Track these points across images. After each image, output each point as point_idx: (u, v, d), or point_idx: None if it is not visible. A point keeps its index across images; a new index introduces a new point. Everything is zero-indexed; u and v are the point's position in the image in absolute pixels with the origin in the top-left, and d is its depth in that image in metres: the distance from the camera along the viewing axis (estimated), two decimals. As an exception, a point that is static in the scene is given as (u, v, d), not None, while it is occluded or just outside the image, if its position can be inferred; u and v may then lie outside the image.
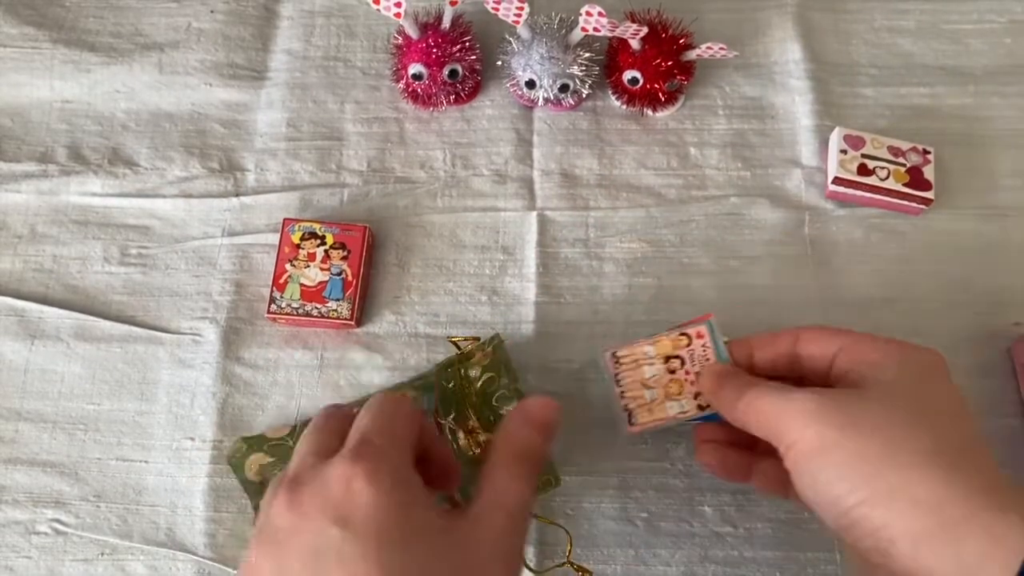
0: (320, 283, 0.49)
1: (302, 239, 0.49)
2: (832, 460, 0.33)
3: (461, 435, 0.45)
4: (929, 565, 0.30)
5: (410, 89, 0.54)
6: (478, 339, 0.48)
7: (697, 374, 0.42)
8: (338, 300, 0.48)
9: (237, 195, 0.53)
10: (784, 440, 0.34)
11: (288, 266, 0.49)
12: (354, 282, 0.49)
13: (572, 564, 0.42)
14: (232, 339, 0.50)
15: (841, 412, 0.33)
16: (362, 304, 0.50)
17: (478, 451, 0.44)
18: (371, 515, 0.30)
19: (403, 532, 0.31)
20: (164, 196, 0.54)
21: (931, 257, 0.51)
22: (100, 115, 0.56)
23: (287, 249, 0.49)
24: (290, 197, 0.53)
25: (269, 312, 0.48)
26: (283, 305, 0.48)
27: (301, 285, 0.49)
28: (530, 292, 0.50)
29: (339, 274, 0.49)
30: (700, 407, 0.41)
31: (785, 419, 0.34)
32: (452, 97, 0.54)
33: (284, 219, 0.50)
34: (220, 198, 0.53)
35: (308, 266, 0.49)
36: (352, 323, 0.49)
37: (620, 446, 0.47)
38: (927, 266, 0.51)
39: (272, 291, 0.49)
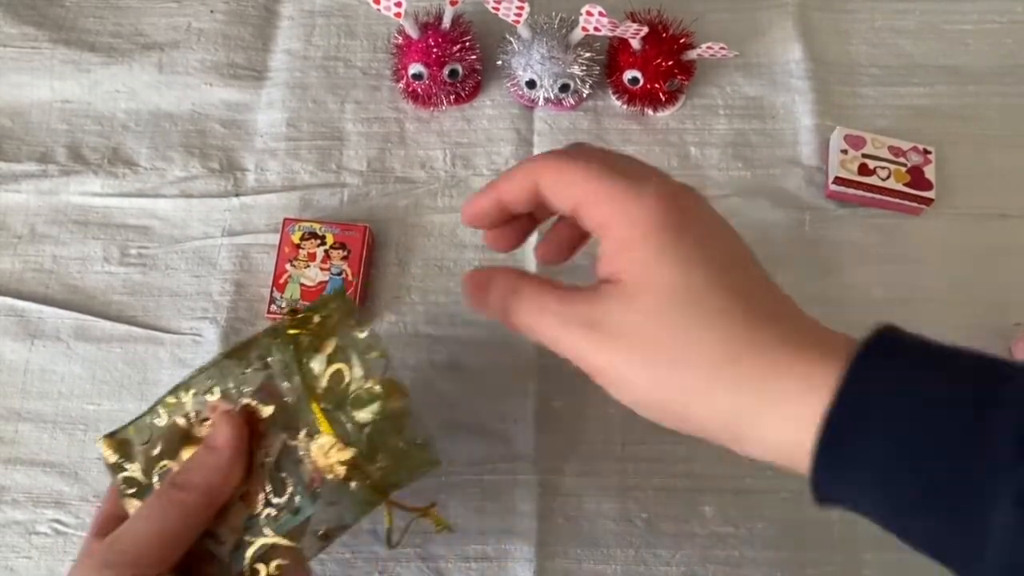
0: (320, 283, 0.49)
1: (302, 239, 0.49)
2: (635, 393, 0.30)
3: (314, 452, 0.35)
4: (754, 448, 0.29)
5: (410, 89, 0.54)
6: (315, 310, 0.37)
7: None
8: None
9: (237, 195, 0.53)
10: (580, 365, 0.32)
11: (288, 266, 0.49)
12: (354, 282, 0.49)
13: (428, 513, 0.37)
14: (232, 339, 0.50)
15: (621, 343, 0.30)
16: (362, 304, 0.50)
17: (343, 472, 0.34)
18: None
19: None
20: (164, 196, 0.53)
21: (931, 257, 0.51)
22: (100, 115, 0.56)
23: (287, 249, 0.49)
24: (290, 197, 0.53)
25: (269, 312, 0.48)
26: (283, 305, 0.48)
27: (301, 285, 0.49)
28: (530, 292, 0.50)
29: (339, 274, 0.49)
30: None
31: (570, 355, 0.31)
32: (452, 97, 0.54)
33: (284, 219, 0.50)
34: (220, 198, 0.53)
35: (308, 266, 0.49)
36: None
37: (620, 446, 0.47)
38: (927, 266, 0.51)
39: (272, 291, 0.49)
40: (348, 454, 0.34)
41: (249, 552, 0.34)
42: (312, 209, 0.53)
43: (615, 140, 0.54)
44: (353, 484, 0.34)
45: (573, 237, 0.36)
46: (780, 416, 0.28)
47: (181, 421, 0.36)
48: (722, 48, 0.49)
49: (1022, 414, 0.25)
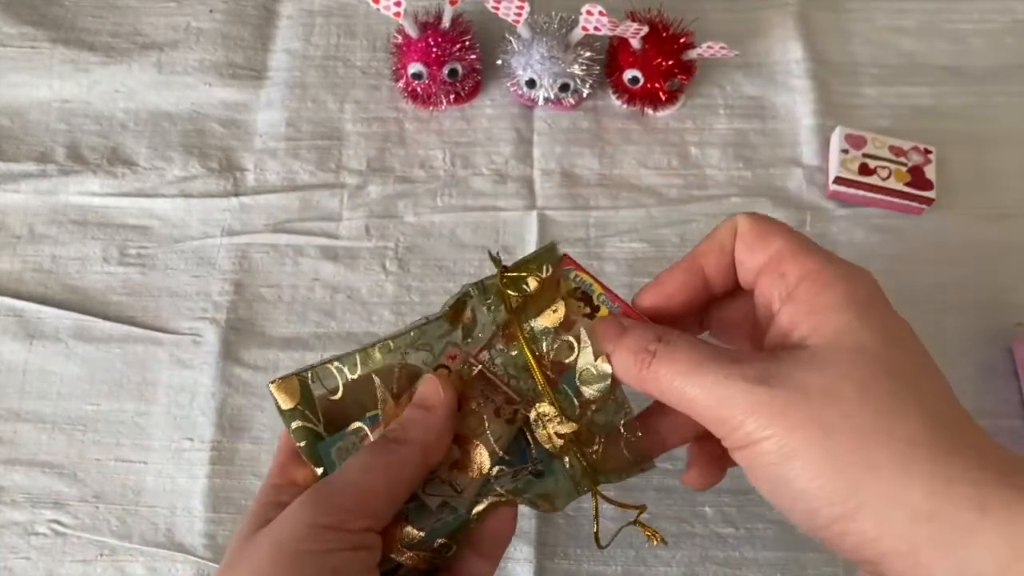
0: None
1: (571, 295, 0.34)
2: (798, 470, 0.26)
3: (532, 418, 0.33)
4: None
5: (410, 89, 0.54)
6: (527, 265, 0.34)
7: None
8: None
9: (236, 195, 0.53)
10: (727, 436, 0.28)
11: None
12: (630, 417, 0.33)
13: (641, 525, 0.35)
14: (231, 339, 0.50)
15: (801, 403, 0.26)
16: None
17: (560, 444, 0.33)
18: None
19: None
20: (163, 196, 0.53)
21: (932, 257, 0.51)
22: (99, 115, 0.56)
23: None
24: (290, 197, 0.53)
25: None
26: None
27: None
28: (530, 292, 0.50)
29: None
30: None
31: (724, 412, 0.27)
32: (452, 97, 0.54)
33: (564, 255, 0.34)
34: (219, 198, 0.53)
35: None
36: None
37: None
38: (928, 266, 0.50)
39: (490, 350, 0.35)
40: (569, 428, 0.33)
41: (477, 508, 0.33)
42: (312, 209, 0.53)
43: (615, 140, 0.54)
44: (567, 460, 0.33)
45: (721, 453, 0.31)
46: (994, 527, 0.24)
47: (376, 378, 0.33)
48: (722, 48, 0.49)
49: None
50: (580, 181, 0.53)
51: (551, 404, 0.33)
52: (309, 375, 0.33)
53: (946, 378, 0.28)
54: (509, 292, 0.34)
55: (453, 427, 0.33)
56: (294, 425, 0.33)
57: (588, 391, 0.33)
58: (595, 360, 0.32)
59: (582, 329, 0.33)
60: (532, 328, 0.33)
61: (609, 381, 0.32)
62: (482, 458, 0.33)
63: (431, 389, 0.32)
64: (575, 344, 0.33)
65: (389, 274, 0.51)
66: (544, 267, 0.34)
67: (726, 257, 0.32)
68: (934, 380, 0.28)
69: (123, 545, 0.46)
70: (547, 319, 0.33)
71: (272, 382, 0.33)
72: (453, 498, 0.33)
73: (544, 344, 0.33)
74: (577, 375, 0.33)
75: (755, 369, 0.27)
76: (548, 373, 0.33)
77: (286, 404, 0.33)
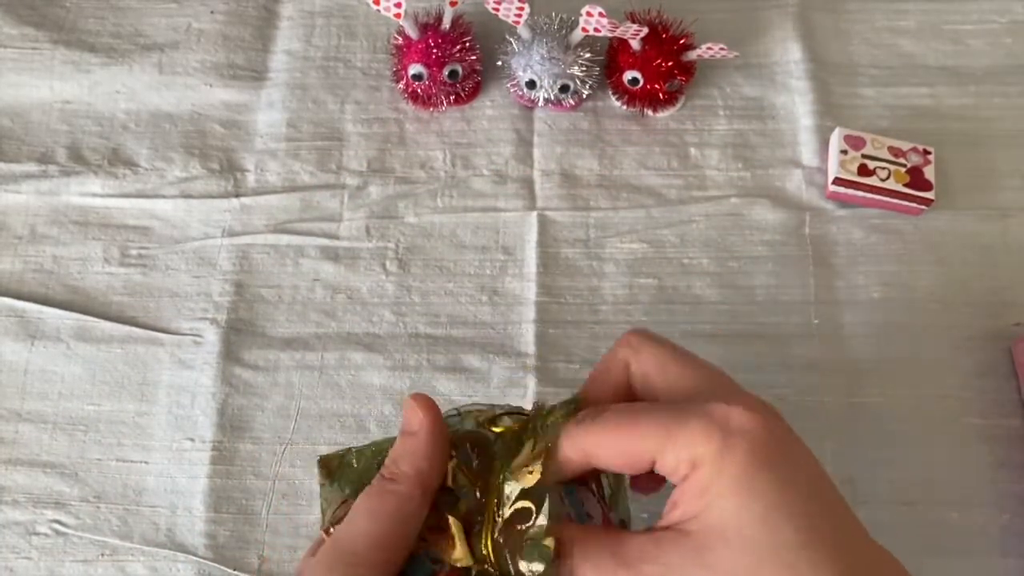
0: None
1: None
2: None
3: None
4: None
5: (410, 89, 0.54)
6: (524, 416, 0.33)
7: None
8: None
9: (237, 196, 0.53)
10: None
11: None
12: None
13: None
14: (232, 340, 0.50)
15: None
16: None
17: None
18: None
19: None
20: (164, 197, 0.54)
21: (931, 257, 0.51)
22: (100, 116, 0.56)
23: None
24: (290, 198, 0.53)
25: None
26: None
27: None
28: (530, 292, 0.50)
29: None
30: None
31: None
32: (452, 97, 0.54)
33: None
34: (220, 199, 0.53)
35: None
36: None
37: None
38: (927, 266, 0.51)
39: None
40: None
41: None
42: (312, 209, 0.53)
43: (615, 140, 0.54)
44: None
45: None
46: None
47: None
48: (722, 48, 0.49)
49: None
50: (580, 182, 0.53)
51: (491, 554, 0.30)
52: (352, 452, 0.35)
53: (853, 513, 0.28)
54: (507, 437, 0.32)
55: (444, 447, 0.32)
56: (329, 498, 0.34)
57: (526, 567, 0.29)
58: (545, 538, 0.29)
59: (547, 499, 0.29)
60: (504, 486, 0.31)
61: (546, 565, 0.29)
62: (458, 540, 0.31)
63: (410, 414, 0.32)
64: (532, 513, 0.30)
65: (389, 274, 0.51)
66: (547, 429, 0.31)
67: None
68: (819, 554, 0.27)
69: (124, 545, 0.46)
70: (522, 480, 0.30)
71: (319, 458, 0.35)
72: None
73: (506, 506, 0.30)
74: (523, 548, 0.30)
75: (644, 572, 0.27)
76: (496, 535, 0.30)
77: (321, 481, 0.34)
